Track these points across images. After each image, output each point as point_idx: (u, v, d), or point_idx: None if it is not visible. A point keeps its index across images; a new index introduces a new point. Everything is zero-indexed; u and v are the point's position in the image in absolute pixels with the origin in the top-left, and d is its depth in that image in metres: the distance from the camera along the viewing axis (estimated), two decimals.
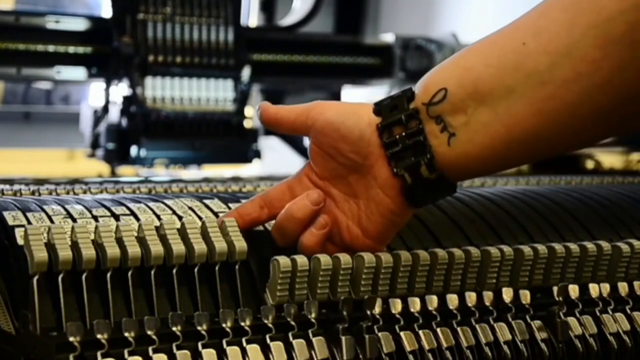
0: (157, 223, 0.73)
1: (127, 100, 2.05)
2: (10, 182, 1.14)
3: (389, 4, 3.11)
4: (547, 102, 0.67)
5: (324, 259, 0.71)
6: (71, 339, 0.62)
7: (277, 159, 2.46)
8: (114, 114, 2.09)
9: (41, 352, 0.63)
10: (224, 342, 0.67)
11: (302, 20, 2.64)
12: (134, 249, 0.68)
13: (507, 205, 0.91)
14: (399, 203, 0.72)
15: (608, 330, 0.81)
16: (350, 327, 0.70)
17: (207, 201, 0.80)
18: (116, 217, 0.75)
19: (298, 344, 0.69)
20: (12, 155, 2.61)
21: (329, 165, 0.74)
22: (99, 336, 0.63)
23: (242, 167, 2.27)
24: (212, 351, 0.66)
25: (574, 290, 0.81)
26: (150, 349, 0.64)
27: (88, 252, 0.66)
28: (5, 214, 0.72)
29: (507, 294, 0.78)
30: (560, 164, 1.92)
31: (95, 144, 2.14)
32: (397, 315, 0.73)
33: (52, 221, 0.72)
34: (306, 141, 0.77)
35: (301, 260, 0.71)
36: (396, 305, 0.74)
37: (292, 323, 0.69)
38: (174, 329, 0.66)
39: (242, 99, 2.12)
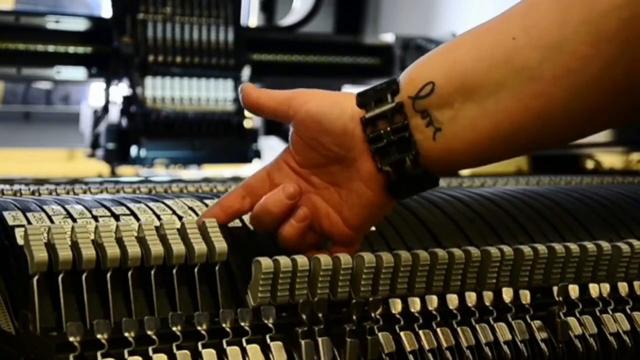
0: (157, 223, 0.72)
1: (127, 100, 2.05)
2: (10, 182, 1.14)
3: (389, 4, 3.11)
4: (535, 98, 0.66)
5: (324, 259, 0.71)
6: (71, 339, 0.62)
7: None
8: (114, 114, 2.09)
9: (41, 352, 0.63)
10: (224, 342, 0.67)
11: (302, 20, 2.64)
12: (134, 249, 0.68)
13: (507, 205, 0.90)
14: (382, 197, 0.72)
15: (608, 330, 0.81)
16: (349, 329, 0.70)
17: (207, 201, 0.80)
18: (116, 217, 0.75)
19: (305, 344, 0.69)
20: (12, 155, 2.61)
21: (310, 155, 0.73)
22: (99, 336, 0.63)
23: (242, 167, 2.26)
24: (212, 351, 0.66)
25: (574, 290, 0.81)
26: (150, 349, 0.64)
27: (88, 252, 0.66)
28: (5, 214, 0.72)
29: (507, 294, 0.78)
30: (560, 164, 1.93)
31: (95, 144, 2.14)
32: (397, 315, 0.73)
33: (52, 221, 0.72)
34: None
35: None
36: (396, 305, 0.73)
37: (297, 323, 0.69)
38: (174, 329, 0.65)
39: None
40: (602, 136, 1.90)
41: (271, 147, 2.43)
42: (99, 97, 2.17)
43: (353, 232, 0.73)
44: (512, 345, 0.76)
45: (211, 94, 2.13)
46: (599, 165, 1.98)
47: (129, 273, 0.68)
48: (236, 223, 0.76)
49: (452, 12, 2.89)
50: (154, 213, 0.76)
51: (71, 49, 2.09)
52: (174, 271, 0.70)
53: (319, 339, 0.69)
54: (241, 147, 2.17)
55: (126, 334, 0.64)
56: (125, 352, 0.63)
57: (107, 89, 2.10)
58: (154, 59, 2.08)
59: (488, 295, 0.77)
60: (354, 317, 0.70)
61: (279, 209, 0.72)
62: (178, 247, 0.69)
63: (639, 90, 0.66)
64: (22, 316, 0.66)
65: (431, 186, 0.73)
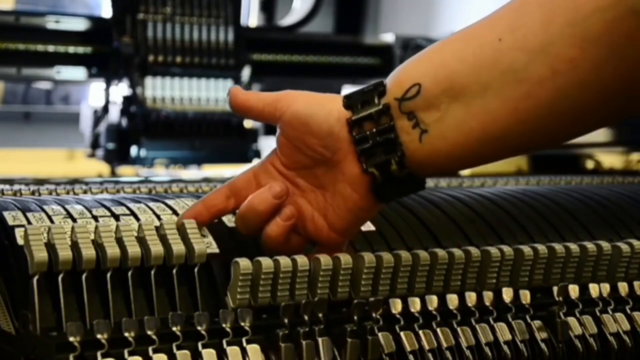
0: (157, 223, 0.72)
1: (127, 100, 2.05)
2: (10, 182, 1.14)
3: (389, 4, 3.11)
4: (522, 100, 0.66)
5: (324, 260, 0.71)
6: (71, 339, 0.62)
7: None
8: (114, 114, 2.09)
9: (41, 352, 0.63)
10: (224, 342, 0.67)
11: (302, 20, 2.64)
12: (134, 249, 0.68)
13: (507, 205, 0.90)
14: (367, 199, 0.71)
15: (608, 330, 0.81)
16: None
17: None
18: (116, 217, 0.75)
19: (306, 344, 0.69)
20: (12, 155, 2.61)
21: (296, 157, 0.72)
22: (99, 336, 0.63)
23: (242, 167, 2.26)
24: (212, 351, 0.66)
25: (574, 290, 0.81)
26: (150, 349, 0.64)
27: (88, 252, 0.66)
28: (5, 214, 0.72)
29: (507, 294, 0.78)
30: (560, 164, 1.93)
31: (95, 144, 2.14)
32: (397, 315, 0.73)
33: (52, 221, 0.72)
34: None
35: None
36: (396, 305, 0.73)
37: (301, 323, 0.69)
38: (174, 329, 0.65)
39: None
40: (602, 136, 1.90)
41: (271, 147, 2.42)
42: (99, 97, 2.18)
43: (338, 236, 0.73)
44: (512, 345, 0.76)
45: (211, 94, 2.13)
46: (599, 165, 1.98)
47: (129, 273, 0.68)
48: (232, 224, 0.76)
49: (452, 12, 2.89)
50: (154, 213, 0.76)
51: (71, 49, 2.09)
52: (174, 271, 0.70)
53: (319, 339, 0.69)
54: (241, 147, 2.17)
55: (126, 334, 0.64)
56: (125, 352, 0.63)
57: (107, 89, 2.10)
58: (154, 59, 2.08)
59: (488, 295, 0.77)
60: (355, 317, 0.70)
61: (265, 207, 0.71)
62: (178, 247, 0.69)
63: (629, 90, 0.66)
64: (22, 316, 0.66)
65: (417, 189, 0.72)
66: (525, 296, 0.79)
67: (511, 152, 0.72)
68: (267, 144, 2.39)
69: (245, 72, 2.16)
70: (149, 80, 2.07)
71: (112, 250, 0.67)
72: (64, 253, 0.66)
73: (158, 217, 0.76)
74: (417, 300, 0.74)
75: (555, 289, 0.80)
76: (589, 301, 0.82)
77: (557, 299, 0.79)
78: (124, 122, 2.06)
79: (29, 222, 0.71)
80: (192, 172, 2.14)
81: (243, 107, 0.74)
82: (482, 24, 0.68)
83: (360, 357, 0.70)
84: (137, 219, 0.75)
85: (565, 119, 0.67)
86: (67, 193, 1.02)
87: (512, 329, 0.77)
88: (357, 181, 0.71)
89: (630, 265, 0.85)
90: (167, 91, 2.08)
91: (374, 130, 0.69)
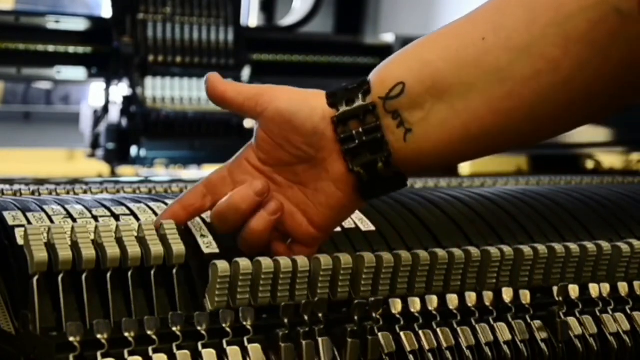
0: None
1: (127, 100, 2.05)
2: (10, 182, 1.14)
3: (389, 4, 3.11)
4: (505, 99, 0.66)
5: (325, 260, 0.71)
6: (71, 339, 0.62)
7: None
8: (114, 114, 2.09)
9: (41, 352, 0.63)
10: (224, 342, 0.67)
11: (302, 20, 2.64)
12: (134, 249, 0.68)
13: (507, 205, 0.90)
14: (352, 197, 0.71)
15: (608, 330, 0.81)
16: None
17: None
18: (116, 217, 0.75)
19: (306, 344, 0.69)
20: (12, 155, 2.61)
21: (276, 154, 0.71)
22: (99, 336, 0.63)
23: None
24: (212, 351, 0.66)
25: (574, 290, 0.81)
26: (150, 349, 0.64)
27: (88, 252, 0.66)
28: (5, 214, 0.72)
29: (507, 294, 0.78)
30: (560, 164, 1.93)
31: (95, 144, 2.14)
32: (397, 315, 0.73)
33: (52, 221, 0.72)
34: None
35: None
36: (396, 305, 0.73)
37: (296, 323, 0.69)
38: (174, 329, 0.65)
39: None
40: (602, 136, 1.90)
41: None
42: (99, 97, 2.18)
43: (318, 232, 0.72)
44: (512, 345, 0.76)
45: None
46: (599, 165, 1.98)
47: (129, 273, 0.68)
48: None
49: (452, 12, 2.89)
50: (154, 213, 0.76)
51: (71, 49, 2.09)
52: (174, 271, 0.70)
53: (319, 339, 0.69)
54: (241, 147, 2.17)
55: (126, 334, 0.64)
56: (125, 352, 0.63)
57: (107, 89, 2.10)
58: (154, 59, 2.08)
59: (488, 295, 0.77)
60: (355, 318, 0.70)
61: (248, 206, 0.70)
62: (178, 247, 0.69)
63: (611, 89, 0.66)
64: (22, 316, 0.66)
65: (400, 187, 0.72)
66: (525, 296, 0.79)
67: (495, 150, 0.72)
68: None
69: (245, 72, 2.16)
70: (149, 80, 2.06)
71: (112, 250, 0.67)
72: (64, 253, 0.66)
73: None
74: (417, 300, 0.74)
75: (555, 289, 0.80)
76: (589, 301, 0.82)
77: (557, 299, 0.79)
78: (124, 122, 2.06)
79: (29, 222, 0.71)
80: (192, 172, 2.14)
81: (220, 99, 0.72)
82: (465, 21, 0.68)
83: (360, 357, 0.70)
84: (137, 219, 0.75)
85: (549, 117, 0.67)
86: (67, 193, 1.02)
87: (512, 329, 0.77)
88: (342, 179, 0.70)
89: (630, 265, 0.85)
90: (167, 91, 2.08)
91: (360, 129, 0.69)
